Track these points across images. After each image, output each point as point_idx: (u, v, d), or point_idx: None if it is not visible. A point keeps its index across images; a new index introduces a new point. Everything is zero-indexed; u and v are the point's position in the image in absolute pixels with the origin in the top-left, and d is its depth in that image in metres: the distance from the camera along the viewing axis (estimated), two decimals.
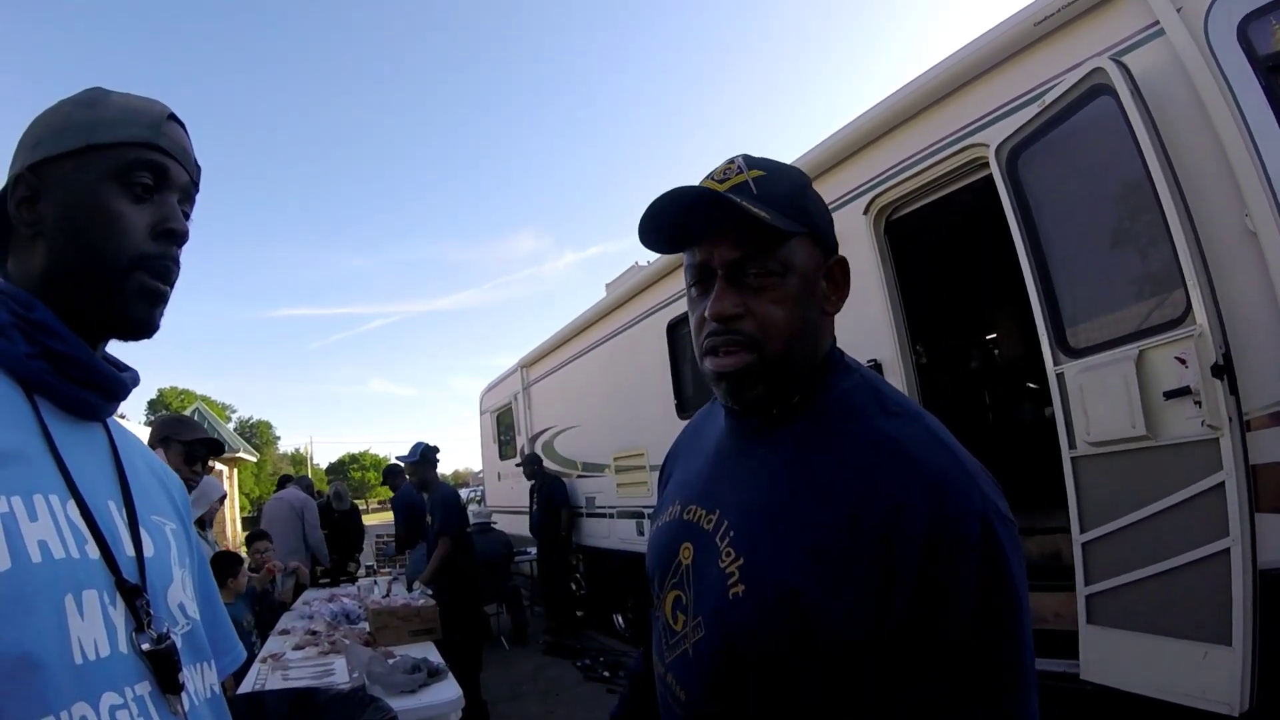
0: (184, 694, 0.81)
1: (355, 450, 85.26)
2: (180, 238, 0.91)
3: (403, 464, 6.67)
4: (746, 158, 1.03)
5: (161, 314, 0.92)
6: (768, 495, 0.98)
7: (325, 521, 9.29)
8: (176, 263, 0.91)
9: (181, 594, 0.91)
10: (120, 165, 0.88)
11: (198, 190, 0.99)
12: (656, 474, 1.43)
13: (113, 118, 0.90)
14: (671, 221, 1.01)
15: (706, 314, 0.99)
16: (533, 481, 9.48)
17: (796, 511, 0.93)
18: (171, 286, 0.92)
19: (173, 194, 0.93)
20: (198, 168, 0.99)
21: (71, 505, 0.77)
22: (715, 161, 1.08)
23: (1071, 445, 3.35)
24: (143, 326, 0.90)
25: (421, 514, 6.78)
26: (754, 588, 0.93)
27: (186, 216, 0.96)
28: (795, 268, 0.99)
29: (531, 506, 9.50)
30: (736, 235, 0.97)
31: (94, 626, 0.73)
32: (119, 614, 0.77)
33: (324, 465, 79.95)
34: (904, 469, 0.89)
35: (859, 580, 0.86)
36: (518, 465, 9.78)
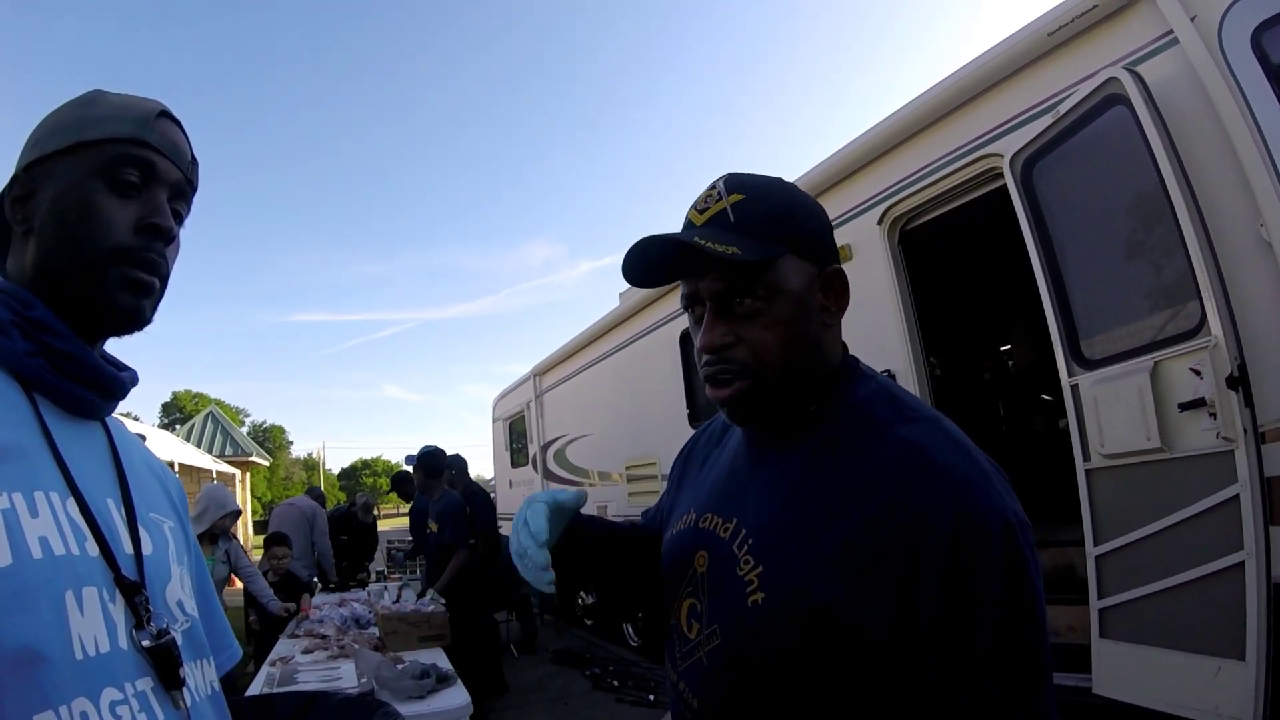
0: (185, 689, 0.82)
1: (368, 456, 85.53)
2: (164, 233, 0.91)
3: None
4: (729, 179, 1.04)
5: (152, 306, 0.92)
6: (788, 503, 0.99)
7: (346, 529, 9.31)
8: (163, 257, 0.91)
9: (180, 591, 0.91)
10: (106, 161, 0.89)
11: (194, 188, 1.00)
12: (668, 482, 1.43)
13: (103, 115, 0.91)
14: (656, 261, 1.03)
15: (697, 344, 1.02)
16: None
17: (818, 519, 0.94)
18: (160, 279, 0.92)
19: (161, 190, 0.93)
20: (194, 165, 0.99)
21: (71, 503, 0.78)
22: (731, 168, 1.08)
23: (1086, 457, 3.33)
24: (130, 316, 0.90)
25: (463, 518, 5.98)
26: (775, 595, 0.94)
27: (180, 214, 0.97)
28: (783, 289, 0.99)
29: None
30: (718, 269, 0.98)
31: (94, 622, 0.74)
32: (119, 610, 0.78)
33: (336, 470, 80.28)
34: (928, 474, 0.89)
35: (885, 584, 0.86)
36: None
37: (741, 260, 0.94)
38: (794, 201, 1.04)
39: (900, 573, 0.86)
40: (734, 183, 1.03)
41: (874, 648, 0.87)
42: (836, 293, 1.06)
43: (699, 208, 1.03)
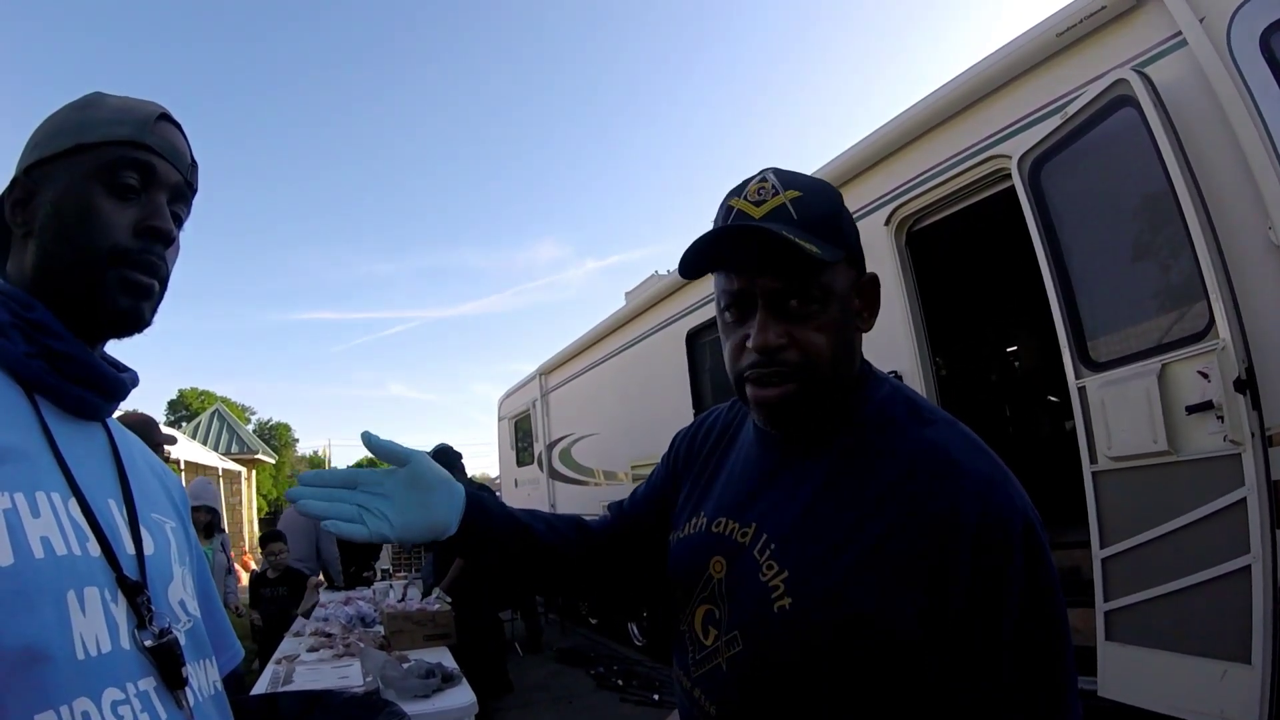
0: (188, 689, 0.82)
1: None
2: (163, 236, 0.91)
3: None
4: (777, 173, 1.01)
5: (152, 308, 0.92)
6: (811, 508, 0.98)
7: None
8: (162, 259, 0.92)
9: (182, 591, 0.91)
10: (105, 164, 0.89)
11: (194, 190, 1.00)
12: None
13: (102, 118, 0.91)
14: (713, 251, 1.00)
15: (750, 344, 0.98)
16: None
17: (844, 522, 0.94)
18: (160, 282, 0.92)
19: (161, 193, 0.93)
20: (194, 168, 0.99)
21: (73, 503, 0.78)
22: (741, 173, 1.06)
23: (1092, 459, 3.32)
24: (130, 318, 0.90)
25: None
26: (802, 600, 0.93)
27: (179, 216, 0.97)
28: (835, 293, 0.98)
29: None
30: (779, 265, 0.95)
31: (95, 622, 0.74)
32: (120, 610, 0.77)
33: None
34: (951, 474, 0.90)
35: (913, 586, 0.87)
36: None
37: (820, 259, 0.92)
38: (840, 205, 1.03)
39: (927, 573, 0.87)
40: (786, 178, 1.00)
41: (904, 649, 0.87)
42: (870, 300, 1.06)
43: (753, 199, 0.99)
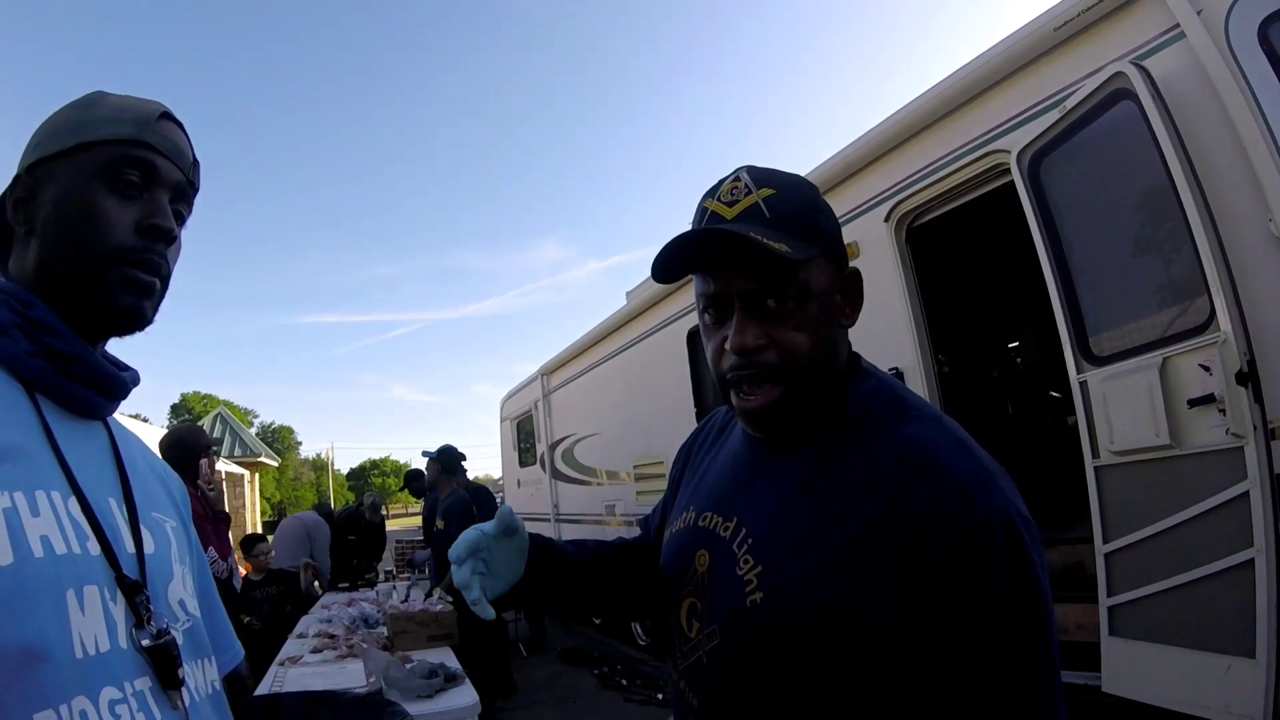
0: (185, 689, 0.82)
1: (376, 456, 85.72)
2: (165, 234, 0.91)
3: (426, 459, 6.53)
4: (751, 171, 1.00)
5: (153, 306, 0.92)
6: (790, 503, 0.98)
7: (355, 528, 9.37)
8: (164, 257, 0.92)
9: (182, 591, 0.91)
10: (107, 162, 0.89)
11: (195, 189, 1.00)
12: None
13: (104, 117, 0.91)
14: (687, 254, 1.00)
15: (727, 346, 0.97)
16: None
17: (821, 519, 0.93)
18: (161, 280, 0.92)
19: (163, 191, 0.93)
20: (195, 166, 0.99)
21: (73, 501, 0.78)
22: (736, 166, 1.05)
23: (1095, 454, 3.31)
24: (131, 317, 0.90)
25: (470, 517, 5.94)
26: (774, 595, 0.93)
27: (181, 215, 0.97)
28: (813, 290, 0.97)
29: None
30: (752, 265, 0.94)
31: (94, 622, 0.74)
32: (119, 610, 0.78)
33: (345, 471, 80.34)
34: (930, 474, 0.89)
35: (887, 585, 0.86)
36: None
37: (790, 259, 0.91)
38: (817, 201, 1.02)
39: (902, 573, 0.85)
40: (760, 176, 1.00)
41: (875, 648, 0.86)
42: (853, 295, 1.05)
43: (725, 200, 0.99)
